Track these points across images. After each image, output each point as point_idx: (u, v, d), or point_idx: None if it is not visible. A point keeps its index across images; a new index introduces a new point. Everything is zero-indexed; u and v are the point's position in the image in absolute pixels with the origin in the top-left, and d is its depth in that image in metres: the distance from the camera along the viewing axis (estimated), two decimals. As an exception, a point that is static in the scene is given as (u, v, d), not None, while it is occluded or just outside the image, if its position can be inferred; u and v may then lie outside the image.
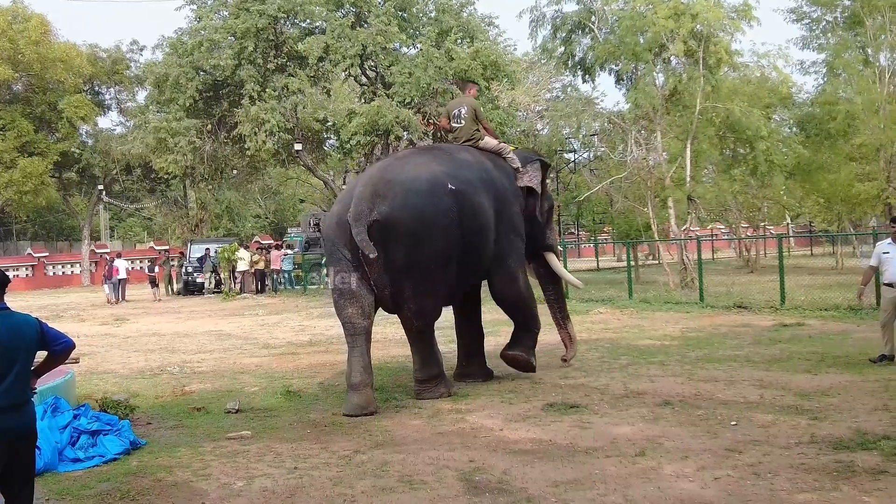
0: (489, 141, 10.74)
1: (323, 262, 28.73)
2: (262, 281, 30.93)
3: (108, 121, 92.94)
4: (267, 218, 55.16)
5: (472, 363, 10.90)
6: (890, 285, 10.01)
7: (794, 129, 30.52)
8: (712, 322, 14.37)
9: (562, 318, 11.42)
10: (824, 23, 30.92)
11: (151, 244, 50.21)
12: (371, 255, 8.80)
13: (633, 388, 9.34)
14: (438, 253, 9.17)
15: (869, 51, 28.87)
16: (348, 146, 27.58)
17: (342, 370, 11.51)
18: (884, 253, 10.13)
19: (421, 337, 9.73)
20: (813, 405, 8.02)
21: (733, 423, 7.44)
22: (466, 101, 10.93)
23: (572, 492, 5.71)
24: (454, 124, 10.81)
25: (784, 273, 17.38)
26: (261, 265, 30.77)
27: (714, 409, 8.08)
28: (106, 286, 29.99)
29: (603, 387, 9.53)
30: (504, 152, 10.73)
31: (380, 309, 9.67)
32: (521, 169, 10.61)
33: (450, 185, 9.34)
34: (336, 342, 15.07)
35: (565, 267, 12.66)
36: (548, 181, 11.44)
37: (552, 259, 11.36)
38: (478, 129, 10.68)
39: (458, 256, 9.39)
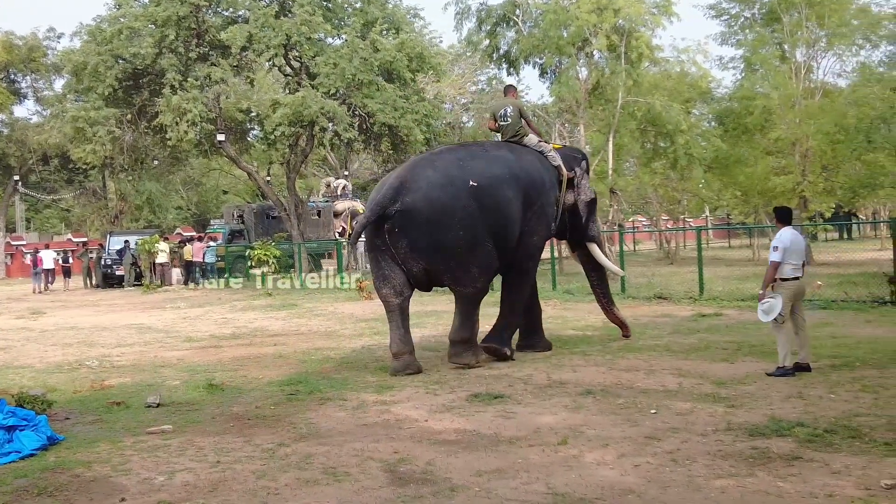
0: (532, 138, 11.56)
1: (246, 253, 28.48)
2: (189, 272, 30.59)
3: (24, 109, 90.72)
4: (189, 209, 54.33)
5: (533, 336, 11.73)
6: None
7: (713, 123, 31.11)
8: (633, 313, 14.60)
9: (607, 303, 12.24)
10: (742, 19, 31.50)
11: (69, 236, 49.07)
12: (351, 242, 10.52)
13: (556, 378, 9.45)
14: (461, 239, 10.13)
15: (786, 47, 29.53)
16: (272, 137, 27.33)
17: (266, 363, 11.50)
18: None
19: (466, 302, 10.53)
20: (730, 393, 8.21)
21: (653, 411, 7.58)
22: (511, 102, 11.70)
23: (496, 481, 5.76)
24: (501, 123, 11.65)
25: (703, 264, 17.74)
26: (188, 256, 30.46)
27: (634, 397, 8.22)
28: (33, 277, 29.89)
29: (526, 377, 9.62)
30: (545, 151, 11.52)
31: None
32: (561, 167, 11.41)
33: (471, 182, 10.26)
34: (260, 335, 14.98)
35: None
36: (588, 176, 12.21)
37: (595, 249, 12.05)
38: (522, 127, 11.52)
39: (487, 241, 10.32)
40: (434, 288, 11.47)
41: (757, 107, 26.67)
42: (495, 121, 11.85)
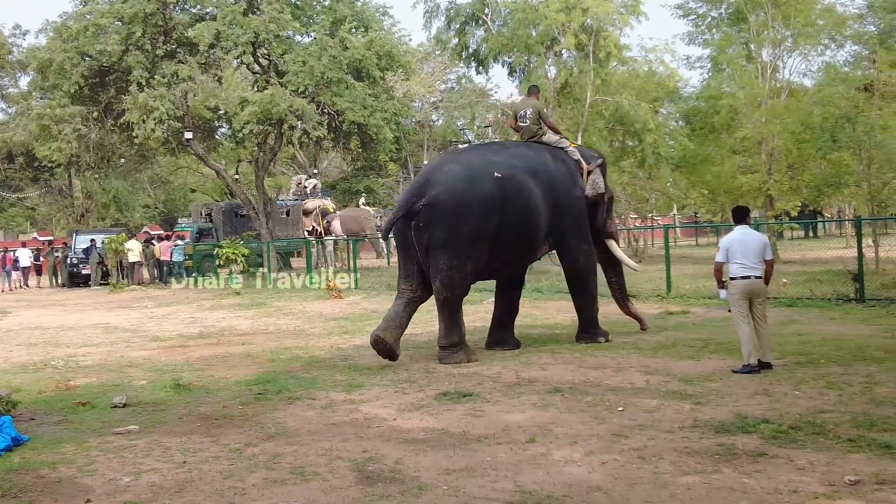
0: (550, 136, 12.11)
1: (214, 252, 28.31)
2: (159, 270, 30.40)
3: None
4: (156, 208, 53.95)
5: (504, 331, 11.96)
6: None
7: (681, 122, 31.39)
8: (602, 310, 14.63)
9: (622, 299, 12.71)
10: (709, 19, 31.79)
11: (35, 235, 48.54)
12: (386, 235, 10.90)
13: (524, 376, 9.47)
14: (472, 232, 10.50)
15: (752, 46, 29.81)
16: (241, 135, 27.19)
17: (234, 362, 11.44)
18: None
19: (447, 307, 10.75)
20: (696, 390, 8.27)
21: (620, 408, 7.62)
22: (531, 104, 12.28)
23: (464, 479, 5.77)
24: (521, 123, 12.23)
25: (670, 263, 17.88)
26: (157, 255, 30.28)
27: (602, 395, 8.26)
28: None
29: (495, 375, 9.64)
30: (564, 146, 12.08)
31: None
32: (581, 161, 11.88)
33: (495, 174, 10.73)
34: (228, 334, 14.90)
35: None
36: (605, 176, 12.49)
37: (613, 245, 12.50)
38: (540, 128, 12.05)
39: (496, 235, 10.69)
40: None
41: (724, 106, 26.92)
42: (516, 120, 12.41)
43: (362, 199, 37.92)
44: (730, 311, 9.38)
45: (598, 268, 12.36)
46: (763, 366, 9.06)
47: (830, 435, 6.37)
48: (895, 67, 23.97)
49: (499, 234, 10.73)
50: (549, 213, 11.20)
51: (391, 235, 11.46)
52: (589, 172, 11.87)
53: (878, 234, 22.51)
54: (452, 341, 10.67)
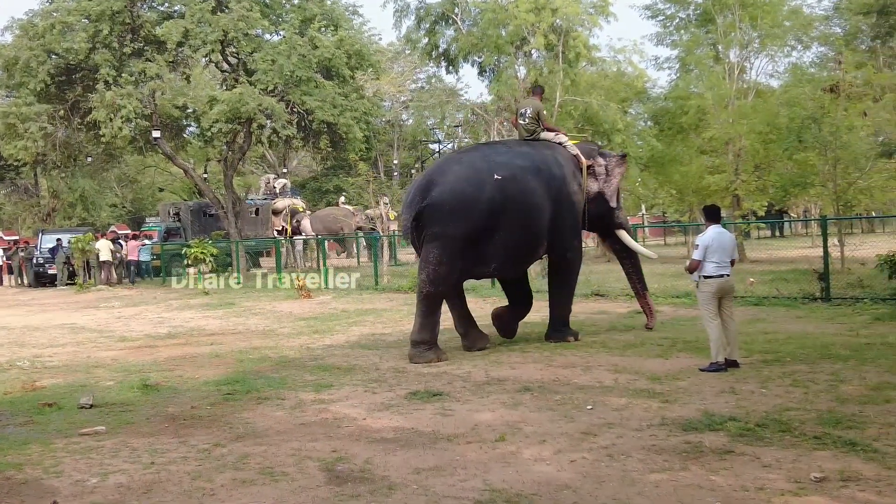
0: (546, 135, 12.35)
1: (182, 252, 28.13)
2: (127, 270, 30.18)
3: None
4: (124, 207, 53.43)
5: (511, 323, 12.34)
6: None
7: (649, 122, 31.57)
8: (571, 309, 14.71)
9: (641, 288, 12.71)
10: (677, 20, 32.00)
11: (0, 234, 47.99)
12: (406, 239, 11.07)
13: (494, 375, 9.49)
14: (467, 232, 10.65)
15: (719, 48, 30.05)
16: (209, 134, 27.02)
17: (203, 362, 11.38)
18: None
19: (427, 302, 10.88)
20: (664, 388, 8.32)
21: (589, 406, 7.65)
22: (532, 103, 12.55)
23: (433, 478, 5.77)
24: (520, 122, 12.50)
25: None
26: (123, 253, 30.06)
27: (571, 393, 8.29)
28: None
29: (465, 374, 9.65)
30: (563, 141, 12.29)
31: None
32: (579, 156, 12.04)
33: (496, 175, 10.88)
34: (196, 334, 14.80)
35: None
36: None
37: (624, 235, 12.57)
38: (539, 126, 12.29)
39: (496, 236, 10.84)
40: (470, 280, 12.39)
41: (691, 106, 27.11)
42: (517, 118, 12.71)
43: (342, 198, 37.84)
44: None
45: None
46: (730, 364, 9.14)
47: (796, 432, 6.43)
48: (860, 68, 24.30)
49: (499, 234, 10.87)
50: (549, 210, 11.36)
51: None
52: (589, 167, 12.07)
53: (843, 233, 22.75)
54: (424, 338, 10.72)
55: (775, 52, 31.08)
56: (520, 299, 12.43)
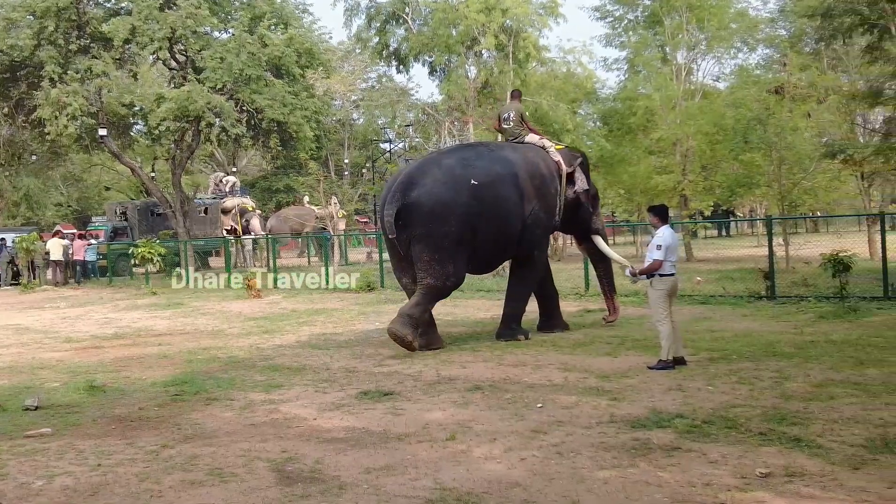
0: (532, 138, 12.67)
1: (130, 251, 27.79)
2: (73, 270, 29.71)
3: None
4: (69, 206, 52.56)
5: (549, 319, 12.72)
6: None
7: (598, 123, 31.79)
8: (525, 310, 14.79)
9: (609, 291, 13.05)
10: (626, 21, 32.26)
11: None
12: (391, 235, 11.11)
13: (445, 374, 9.50)
14: (451, 234, 10.98)
15: (667, 49, 30.38)
16: (157, 132, 26.71)
17: (150, 363, 11.25)
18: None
19: (423, 292, 11.11)
20: (613, 386, 8.39)
21: (539, 405, 7.69)
22: (514, 107, 12.85)
23: (384, 477, 5.77)
24: (504, 126, 12.85)
25: (588, 261, 18.08)
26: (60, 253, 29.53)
27: (521, 392, 8.33)
28: None
29: (416, 373, 9.65)
30: (547, 147, 12.55)
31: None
32: (561, 163, 12.32)
33: (473, 181, 11.21)
34: (144, 335, 14.63)
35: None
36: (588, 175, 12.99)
37: (599, 241, 12.97)
38: (523, 129, 12.67)
39: (477, 237, 11.24)
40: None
41: (640, 107, 27.37)
42: (500, 122, 13.04)
43: (307, 198, 37.66)
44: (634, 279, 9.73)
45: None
46: (677, 362, 9.24)
47: (742, 429, 6.52)
48: (805, 70, 24.69)
49: (476, 237, 11.27)
50: (523, 215, 11.67)
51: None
52: (570, 174, 12.36)
53: (788, 233, 23.18)
54: (412, 314, 10.96)
55: (722, 53, 31.63)
56: (546, 296, 12.81)
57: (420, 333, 11.47)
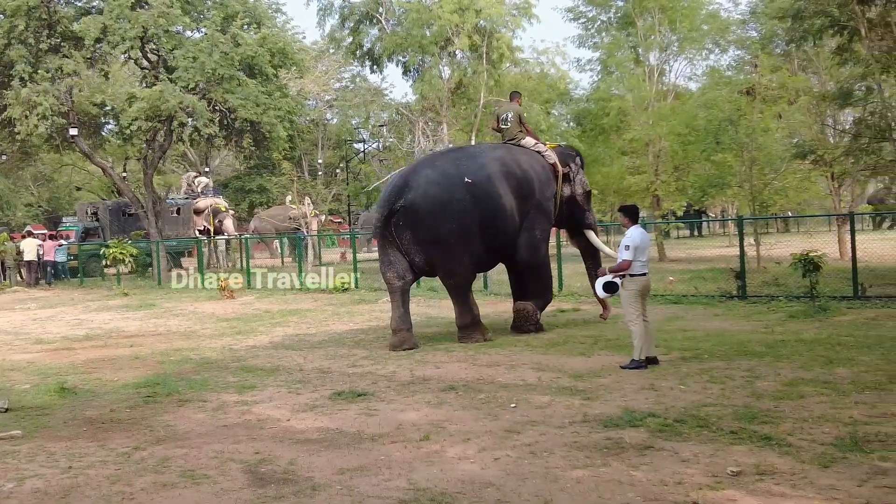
0: (528, 140, 12.98)
1: (101, 252, 27.58)
2: (44, 271, 29.44)
3: None
4: (40, 206, 52.08)
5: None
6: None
7: (571, 123, 31.90)
8: (496, 309, 14.84)
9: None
10: (599, 22, 32.36)
11: None
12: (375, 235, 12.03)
13: (419, 375, 9.52)
14: (454, 231, 11.52)
15: (640, 50, 30.52)
16: (128, 132, 26.45)
17: (122, 365, 11.18)
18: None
19: (456, 292, 12.08)
20: (586, 386, 8.44)
21: (513, 405, 7.72)
22: (513, 108, 13.18)
23: (358, 478, 5.77)
24: (502, 126, 13.19)
25: (562, 261, 18.17)
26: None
27: (495, 392, 8.36)
28: None
29: (390, 374, 9.66)
30: (541, 150, 12.89)
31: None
32: (557, 164, 12.74)
33: (466, 179, 11.69)
34: (115, 336, 14.54)
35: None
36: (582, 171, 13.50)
37: (592, 236, 13.28)
38: (521, 131, 12.96)
39: (478, 233, 11.71)
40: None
41: (613, 108, 27.49)
42: (498, 122, 13.36)
43: (289, 198, 37.57)
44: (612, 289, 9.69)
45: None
46: (650, 361, 9.30)
47: (713, 428, 6.58)
48: (776, 72, 24.87)
49: (473, 234, 11.72)
50: (518, 212, 12.15)
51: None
52: (565, 175, 12.82)
53: (759, 233, 23.37)
54: (466, 321, 11.89)
55: (693, 55, 31.79)
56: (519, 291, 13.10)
57: (394, 331, 11.82)
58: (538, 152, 12.88)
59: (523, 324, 12.50)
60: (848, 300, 14.04)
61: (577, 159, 13.34)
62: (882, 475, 5.34)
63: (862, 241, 16.00)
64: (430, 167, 12.20)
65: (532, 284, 12.74)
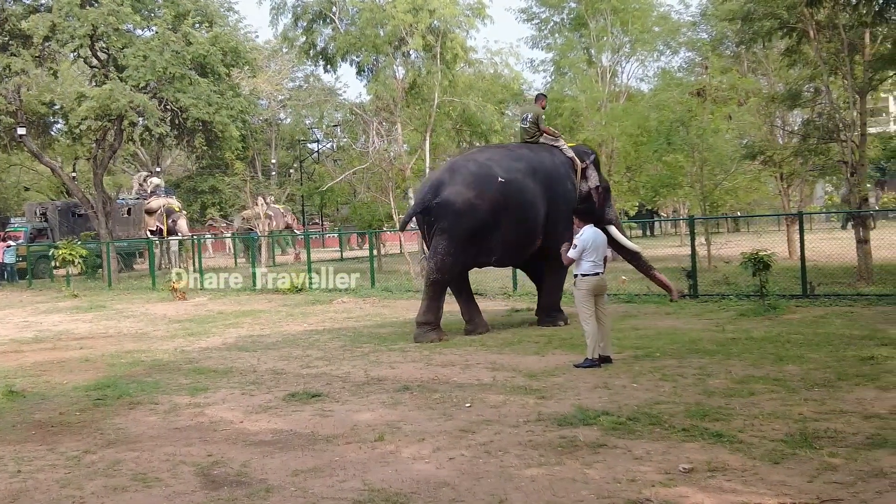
0: (546, 138, 13.52)
1: (50, 253, 27.17)
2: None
3: None
4: (-13, 206, 51.20)
5: (541, 312, 13.46)
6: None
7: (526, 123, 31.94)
8: (451, 308, 14.81)
9: (647, 269, 13.80)
10: (552, 23, 32.52)
11: None
12: (398, 229, 13.12)
13: (374, 375, 9.50)
14: (471, 229, 12.02)
15: (592, 51, 30.71)
16: (78, 131, 26.16)
17: (72, 367, 11.03)
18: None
19: (433, 288, 12.24)
20: (540, 385, 8.49)
21: (468, 404, 7.74)
22: (532, 109, 13.81)
23: (312, 479, 5.74)
24: (522, 125, 13.92)
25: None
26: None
27: (450, 391, 8.37)
28: None
29: (345, 374, 9.63)
30: (560, 145, 13.44)
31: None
32: (575, 159, 13.25)
33: (500, 178, 12.25)
34: (65, 338, 14.33)
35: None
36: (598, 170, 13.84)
37: (614, 231, 13.15)
38: (538, 131, 13.46)
39: (499, 231, 12.23)
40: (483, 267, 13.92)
41: (566, 109, 27.61)
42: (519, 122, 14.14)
43: (271, 198, 37.32)
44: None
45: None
46: (603, 360, 9.38)
47: (666, 425, 6.65)
48: (726, 73, 25.17)
49: (502, 229, 12.24)
50: (544, 208, 12.63)
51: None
52: (583, 170, 13.24)
53: (710, 232, 23.62)
54: (429, 319, 12.09)
55: (645, 56, 32.07)
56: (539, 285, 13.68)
57: (467, 321, 12.76)
58: (557, 147, 13.38)
59: (556, 318, 13.02)
60: (797, 298, 14.28)
61: (592, 157, 13.67)
62: (832, 471, 5.42)
63: (811, 240, 16.24)
64: (465, 166, 12.63)
65: (548, 279, 13.21)
